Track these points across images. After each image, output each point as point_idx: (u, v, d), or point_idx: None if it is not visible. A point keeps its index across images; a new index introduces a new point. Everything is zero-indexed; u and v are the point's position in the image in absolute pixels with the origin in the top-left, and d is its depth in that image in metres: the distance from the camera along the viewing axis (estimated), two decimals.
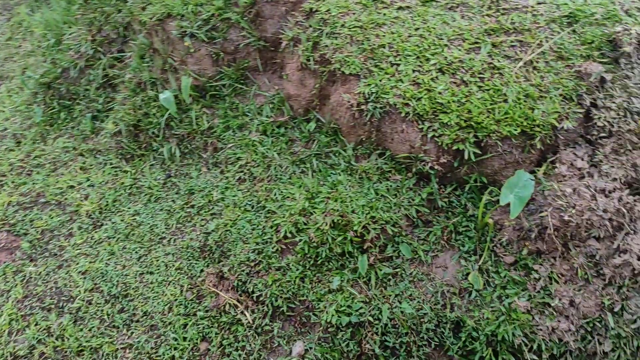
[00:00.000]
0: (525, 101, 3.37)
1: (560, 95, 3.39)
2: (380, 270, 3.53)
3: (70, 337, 3.80)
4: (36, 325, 3.87)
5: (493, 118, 3.35)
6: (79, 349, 3.77)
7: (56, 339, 3.81)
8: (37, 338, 3.80)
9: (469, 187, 3.56)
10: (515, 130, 3.31)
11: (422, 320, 3.41)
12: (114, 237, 4.21)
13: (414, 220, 3.61)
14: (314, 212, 3.64)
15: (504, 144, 3.36)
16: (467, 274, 3.44)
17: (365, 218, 3.50)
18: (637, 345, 2.99)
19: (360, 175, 3.76)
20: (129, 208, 4.35)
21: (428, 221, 3.64)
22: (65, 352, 3.78)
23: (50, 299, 3.98)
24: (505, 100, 3.39)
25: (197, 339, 3.71)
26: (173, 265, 3.97)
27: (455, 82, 3.51)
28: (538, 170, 3.44)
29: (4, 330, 3.86)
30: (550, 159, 3.43)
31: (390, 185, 3.66)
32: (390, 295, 3.47)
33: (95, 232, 4.27)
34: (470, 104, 3.39)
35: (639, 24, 3.54)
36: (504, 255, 3.40)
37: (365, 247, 3.54)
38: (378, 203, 3.55)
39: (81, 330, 3.83)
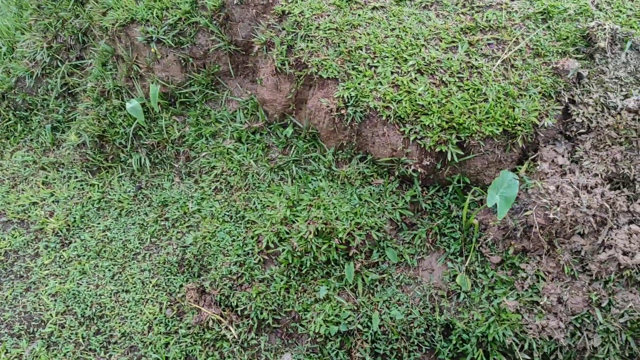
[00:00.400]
0: (505, 100, 3.37)
1: (540, 92, 3.40)
2: (367, 276, 3.47)
3: None
4: (6, 353, 3.65)
5: (474, 118, 3.34)
6: None
7: None
8: None
9: (452, 188, 3.54)
10: (497, 129, 3.31)
11: (411, 325, 3.38)
12: (84, 255, 4.02)
13: (399, 224, 3.57)
14: (296, 220, 3.56)
15: (486, 143, 3.35)
16: (455, 276, 3.42)
17: (349, 224, 3.44)
18: (626, 339, 3.03)
19: (342, 180, 3.69)
20: (99, 223, 4.16)
21: (412, 224, 3.61)
22: None
23: (20, 324, 3.76)
24: (486, 100, 3.39)
25: (180, 358, 3.58)
26: (150, 282, 3.82)
27: (434, 83, 3.48)
28: (520, 168, 3.45)
29: None
30: (531, 156, 3.45)
31: (373, 190, 3.61)
32: (378, 302, 3.42)
33: (64, 250, 4.07)
34: (451, 105, 3.36)
35: (610, 19, 3.59)
36: (490, 255, 3.40)
37: (350, 254, 3.48)
38: (362, 209, 3.50)
39: (55, 356, 3.64)
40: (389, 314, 3.38)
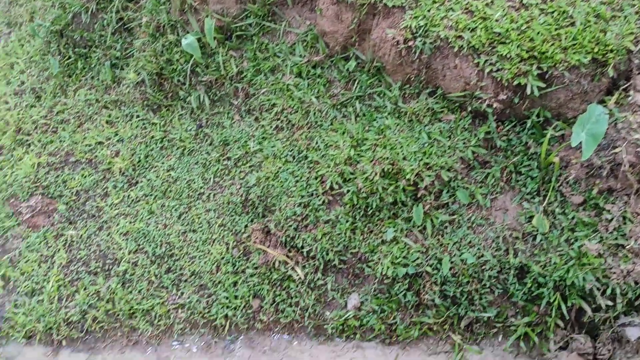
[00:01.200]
0: (595, 23, 3.01)
1: (636, 13, 3.01)
2: (437, 218, 3.35)
3: (120, 300, 3.79)
4: (85, 290, 3.86)
5: (559, 46, 3.01)
6: (131, 311, 3.77)
7: (107, 302, 3.81)
8: (87, 303, 3.80)
9: (531, 123, 3.28)
10: (585, 57, 2.98)
11: (483, 267, 3.27)
12: (151, 195, 4.08)
13: (470, 162, 3.38)
14: (361, 160, 3.43)
15: (572, 74, 3.04)
16: (531, 217, 3.24)
17: (418, 165, 3.28)
18: None
19: (410, 117, 3.49)
20: (163, 163, 4.19)
21: (485, 162, 3.41)
22: (117, 315, 3.79)
23: (96, 262, 3.93)
24: (573, 24, 3.03)
25: (248, 297, 3.66)
26: (216, 222, 3.86)
27: (513, 7, 3.14)
28: (608, 99, 3.13)
29: (54, 297, 3.86)
30: (622, 86, 3.11)
31: (443, 127, 3.40)
32: (448, 244, 3.31)
33: (131, 190, 4.15)
34: (532, 32, 3.04)
35: None
36: (571, 195, 3.18)
37: (419, 195, 3.34)
38: (431, 147, 3.32)
39: (130, 292, 3.81)
40: (460, 256, 3.27)
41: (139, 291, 3.81)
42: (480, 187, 3.37)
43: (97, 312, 3.78)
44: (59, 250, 4.02)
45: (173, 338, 3.72)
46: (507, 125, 3.35)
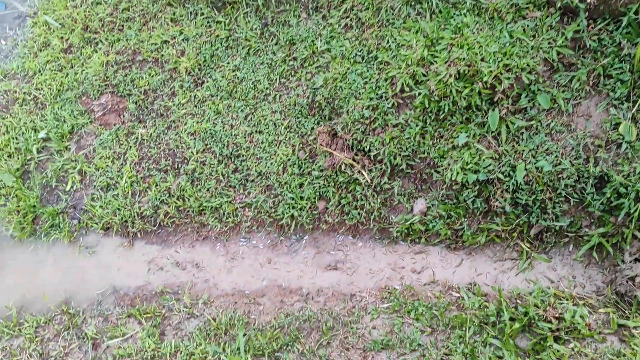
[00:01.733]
0: None
1: None
2: (513, 123, 3.20)
3: (190, 197, 3.92)
4: (156, 186, 4.00)
5: None
6: (200, 208, 3.90)
7: (177, 199, 3.95)
8: (159, 199, 3.96)
9: (627, 21, 2.99)
10: None
11: (560, 176, 3.14)
12: (217, 95, 4.08)
13: (555, 64, 3.16)
14: (435, 61, 3.26)
15: None
16: (617, 124, 3.05)
17: (496, 66, 3.09)
18: None
19: (491, 14, 3.26)
20: (228, 63, 4.15)
21: (571, 64, 3.18)
22: (188, 211, 3.93)
23: (165, 160, 4.04)
24: None
25: (314, 198, 3.70)
26: (282, 124, 3.84)
27: None
28: None
29: (128, 192, 4.03)
30: None
31: (527, 25, 3.16)
32: (523, 151, 3.18)
33: (198, 90, 4.16)
34: None
35: None
36: None
37: (495, 99, 3.18)
38: (512, 48, 3.10)
39: (199, 190, 3.92)
40: (535, 164, 3.15)
41: (208, 189, 3.92)
42: (563, 91, 3.17)
43: (168, 208, 3.94)
44: (131, 147, 4.14)
45: (241, 235, 3.86)
46: (600, 24, 3.08)
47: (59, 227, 4.10)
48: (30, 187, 4.22)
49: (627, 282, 3.03)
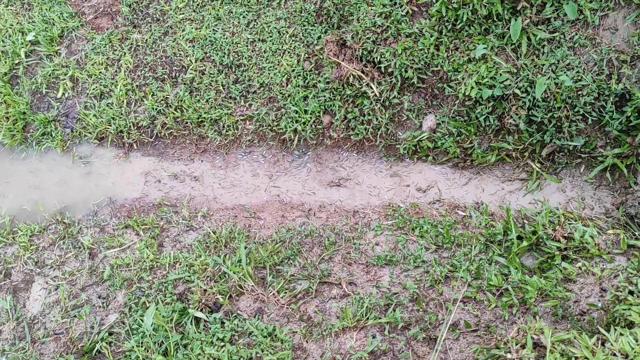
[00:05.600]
0: None
1: None
2: (535, 35, 3.02)
3: (188, 108, 3.75)
4: (153, 96, 3.82)
5: None
6: (199, 120, 3.75)
7: (175, 110, 3.78)
8: (156, 109, 3.79)
9: None
10: None
11: (579, 92, 3.00)
12: (217, 0, 3.82)
13: None
14: None
15: None
16: None
17: None
18: None
19: None
20: None
21: None
22: (186, 123, 3.78)
23: (162, 68, 3.84)
24: None
25: (319, 112, 3.55)
26: (286, 32, 3.62)
27: None
28: None
29: (123, 101, 3.85)
30: None
31: None
32: (543, 65, 3.02)
33: None
34: None
35: None
36: None
37: (518, 8, 2.99)
38: None
39: (198, 101, 3.75)
40: (555, 79, 3.00)
41: (207, 100, 3.74)
42: (591, 1, 2.97)
43: (165, 119, 3.78)
44: (125, 54, 3.92)
45: (241, 149, 3.73)
46: None
47: (51, 135, 3.94)
48: (20, 93, 4.02)
49: (638, 203, 2.96)
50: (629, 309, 2.22)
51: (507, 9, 3.00)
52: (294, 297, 2.97)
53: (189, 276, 3.12)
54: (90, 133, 3.88)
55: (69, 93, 3.95)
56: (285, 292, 2.97)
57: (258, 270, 3.12)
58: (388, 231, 3.22)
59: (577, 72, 2.98)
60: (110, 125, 3.84)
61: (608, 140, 3.09)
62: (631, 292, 2.39)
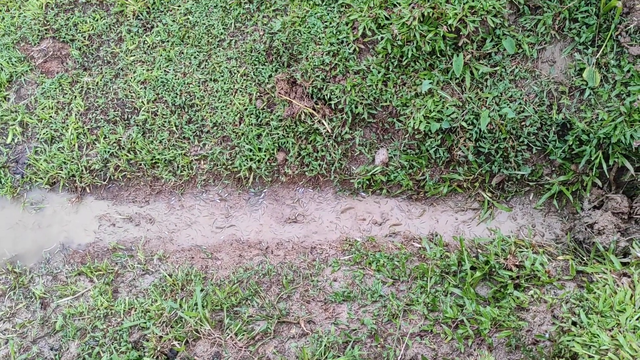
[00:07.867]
0: None
1: None
2: (477, 69, 3.11)
3: (141, 149, 3.72)
4: (105, 138, 3.78)
5: None
6: (153, 161, 3.72)
7: (128, 152, 3.74)
8: (108, 152, 3.75)
9: None
10: None
11: (523, 123, 3.10)
12: (168, 41, 3.84)
13: (521, 7, 3.06)
14: (398, 4, 3.12)
15: None
16: (581, 70, 3.00)
17: (462, 9, 2.97)
18: None
19: None
20: (179, 6, 3.88)
21: (537, 8, 3.08)
22: (140, 164, 3.74)
23: (114, 111, 3.81)
24: None
25: (273, 150, 3.56)
26: (238, 72, 3.65)
27: None
28: None
29: (74, 145, 3.80)
30: None
31: None
32: (487, 98, 3.11)
33: (147, 35, 3.90)
34: None
35: None
36: (629, 45, 2.90)
37: (460, 44, 3.08)
38: None
39: (152, 142, 3.73)
40: (499, 111, 3.09)
41: (160, 141, 3.72)
42: (529, 35, 3.09)
43: (118, 161, 3.74)
44: (76, 97, 3.88)
45: (197, 189, 3.71)
46: None
47: (1, 182, 3.85)
48: None
49: (585, 229, 3.05)
50: (573, 339, 2.26)
51: (449, 45, 3.09)
52: (252, 339, 2.93)
53: (145, 322, 3.06)
54: (41, 178, 3.80)
55: (18, 138, 3.88)
56: (244, 334, 2.93)
57: (215, 313, 3.08)
58: (345, 266, 3.23)
59: (520, 103, 3.08)
60: (62, 170, 3.77)
61: (553, 168, 3.18)
62: (574, 323, 2.44)
